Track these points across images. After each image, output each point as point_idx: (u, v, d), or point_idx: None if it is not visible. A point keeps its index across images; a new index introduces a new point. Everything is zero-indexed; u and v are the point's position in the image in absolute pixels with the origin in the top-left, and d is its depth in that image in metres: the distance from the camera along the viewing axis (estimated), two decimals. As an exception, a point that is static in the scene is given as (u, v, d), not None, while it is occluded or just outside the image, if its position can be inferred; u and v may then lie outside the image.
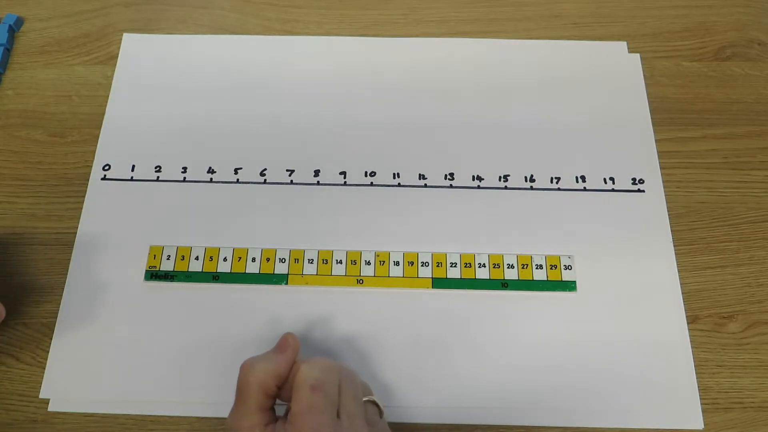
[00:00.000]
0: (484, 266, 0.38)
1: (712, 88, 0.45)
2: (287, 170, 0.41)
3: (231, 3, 0.49)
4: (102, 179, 0.41)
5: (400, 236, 0.39)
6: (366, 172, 0.42)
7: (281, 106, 0.44)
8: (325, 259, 0.38)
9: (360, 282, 0.38)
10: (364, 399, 0.31)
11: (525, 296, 0.38)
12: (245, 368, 0.30)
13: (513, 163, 0.42)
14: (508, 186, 0.41)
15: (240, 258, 0.38)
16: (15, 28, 0.47)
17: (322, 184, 0.41)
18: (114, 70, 0.45)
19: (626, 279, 0.38)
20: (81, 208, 0.40)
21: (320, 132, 0.43)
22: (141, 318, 0.37)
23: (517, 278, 0.38)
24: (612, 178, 0.41)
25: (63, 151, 0.43)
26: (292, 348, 0.31)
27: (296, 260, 0.38)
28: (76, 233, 0.39)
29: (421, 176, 0.41)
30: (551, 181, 0.41)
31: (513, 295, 0.38)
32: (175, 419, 0.35)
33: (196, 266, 0.38)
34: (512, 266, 0.38)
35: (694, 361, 0.36)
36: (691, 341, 0.37)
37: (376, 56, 0.46)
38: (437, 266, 0.38)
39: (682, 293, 0.38)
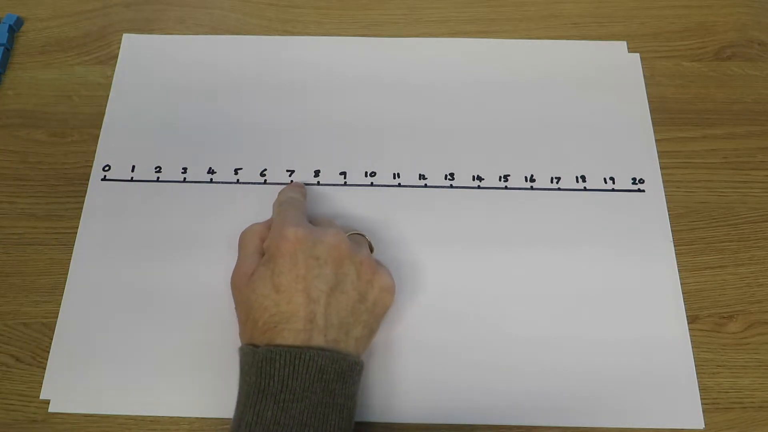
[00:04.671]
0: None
1: (712, 88, 0.45)
2: (287, 170, 0.41)
3: (231, 3, 0.49)
4: (102, 180, 0.41)
5: (400, 236, 0.39)
6: (366, 172, 0.42)
7: (281, 106, 0.44)
8: None
9: None
10: (352, 233, 0.36)
11: (524, 294, 0.38)
12: (242, 231, 0.36)
13: (513, 163, 0.42)
14: (508, 186, 0.41)
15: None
16: (15, 28, 0.47)
17: (322, 184, 0.41)
18: (114, 70, 0.45)
19: (626, 279, 0.38)
20: (81, 208, 0.40)
21: (320, 132, 0.43)
22: (142, 318, 0.37)
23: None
24: (612, 178, 0.41)
25: (63, 151, 0.43)
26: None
27: None
28: (76, 233, 0.39)
29: (421, 176, 0.41)
30: (551, 181, 0.41)
31: (512, 293, 0.38)
32: (175, 419, 0.35)
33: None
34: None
35: (695, 361, 0.36)
36: (691, 341, 0.37)
37: (376, 56, 0.46)
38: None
39: (682, 293, 0.38)
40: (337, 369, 0.30)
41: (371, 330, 0.34)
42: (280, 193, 0.39)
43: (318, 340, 0.31)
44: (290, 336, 0.31)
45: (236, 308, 0.34)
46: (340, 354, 0.31)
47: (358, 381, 0.32)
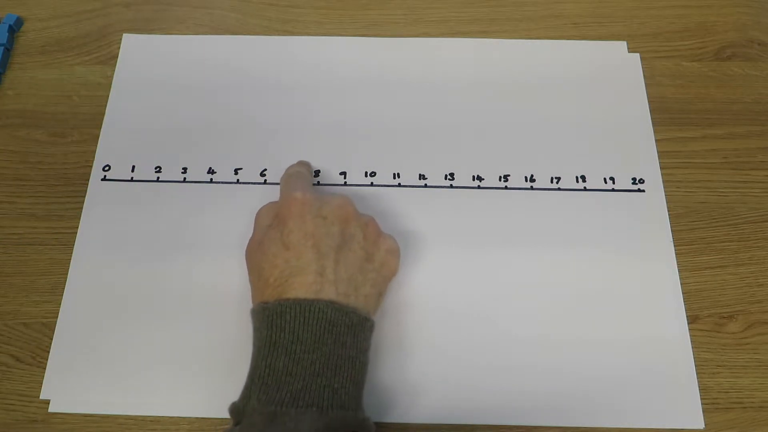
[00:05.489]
0: None
1: (712, 88, 0.45)
2: (287, 170, 0.42)
3: (231, 3, 0.49)
4: (102, 180, 0.41)
5: (400, 237, 0.39)
6: (366, 172, 0.42)
7: (281, 106, 0.44)
8: None
9: None
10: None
11: (524, 294, 0.38)
12: (259, 209, 0.36)
13: (513, 163, 0.42)
14: (508, 186, 0.41)
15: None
16: (15, 28, 0.47)
17: (322, 184, 0.41)
18: (114, 70, 0.45)
19: (626, 279, 0.38)
20: (81, 208, 0.40)
21: (320, 132, 0.43)
22: (142, 318, 0.37)
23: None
24: (612, 178, 0.41)
25: (63, 151, 0.43)
26: None
27: None
28: (76, 233, 0.39)
29: (421, 176, 0.41)
30: (551, 181, 0.41)
31: (512, 293, 0.38)
32: (175, 419, 0.35)
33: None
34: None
35: (695, 361, 0.36)
36: (691, 341, 0.37)
37: (376, 56, 0.46)
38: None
39: (682, 293, 0.38)
40: (347, 322, 0.31)
41: (379, 291, 0.34)
42: (287, 168, 0.39)
43: (329, 293, 0.31)
44: (301, 288, 0.31)
45: (249, 276, 0.35)
46: (350, 308, 0.31)
47: (369, 338, 0.33)
